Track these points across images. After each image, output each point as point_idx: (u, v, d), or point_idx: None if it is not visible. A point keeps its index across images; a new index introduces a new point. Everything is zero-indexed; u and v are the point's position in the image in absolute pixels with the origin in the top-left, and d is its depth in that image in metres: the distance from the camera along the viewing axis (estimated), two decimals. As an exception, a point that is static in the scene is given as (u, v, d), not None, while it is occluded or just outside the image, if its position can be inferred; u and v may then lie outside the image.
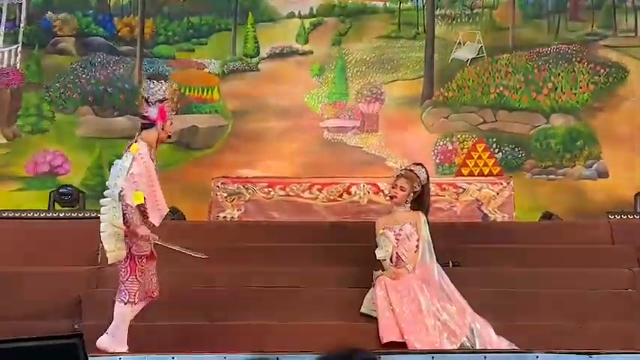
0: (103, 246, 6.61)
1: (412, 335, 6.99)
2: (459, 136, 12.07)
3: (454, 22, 12.48)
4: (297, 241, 8.46)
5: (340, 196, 9.42)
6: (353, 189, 9.40)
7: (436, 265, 7.42)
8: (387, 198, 8.07)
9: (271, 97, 12.24)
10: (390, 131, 12.15)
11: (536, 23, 12.47)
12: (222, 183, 9.46)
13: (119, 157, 6.60)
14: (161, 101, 6.69)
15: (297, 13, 12.59)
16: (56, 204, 10.66)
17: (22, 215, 9.78)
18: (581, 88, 12.14)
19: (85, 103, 12.26)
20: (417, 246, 7.44)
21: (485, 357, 6.48)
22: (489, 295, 7.56)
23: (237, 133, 12.22)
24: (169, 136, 6.91)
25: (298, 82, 12.34)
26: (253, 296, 7.64)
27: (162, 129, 6.68)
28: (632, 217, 9.97)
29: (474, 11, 12.51)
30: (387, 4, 12.51)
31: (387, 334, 7.05)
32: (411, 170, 7.68)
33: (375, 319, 7.22)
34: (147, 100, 6.75)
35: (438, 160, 11.98)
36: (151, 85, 6.80)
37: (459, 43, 12.36)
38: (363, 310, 7.43)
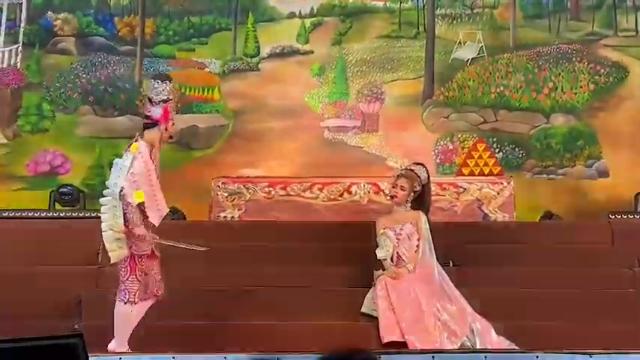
0: (103, 246, 6.59)
1: (413, 335, 6.99)
2: (459, 136, 12.05)
3: (455, 21, 12.46)
4: (297, 240, 8.45)
5: (341, 195, 9.42)
6: (353, 189, 9.40)
7: (436, 265, 7.42)
8: (388, 198, 8.06)
9: (272, 96, 12.22)
10: (390, 131, 12.13)
11: (537, 23, 12.44)
12: (222, 183, 9.46)
13: (119, 156, 6.58)
14: (165, 101, 6.58)
15: (297, 13, 12.57)
16: (56, 204, 10.67)
17: (23, 215, 9.79)
18: (581, 87, 12.12)
19: (85, 103, 12.24)
20: (418, 246, 7.44)
21: (485, 357, 6.47)
22: (489, 294, 7.55)
23: (237, 133, 12.20)
24: (171, 137, 6.87)
25: (299, 82, 12.32)
26: (253, 296, 7.64)
27: (165, 129, 6.66)
28: (632, 217, 9.98)
29: (475, 11, 12.49)
30: (388, 4, 12.48)
31: (388, 334, 7.05)
32: (412, 170, 7.68)
33: (376, 318, 7.22)
34: (150, 100, 6.64)
35: (438, 160, 11.96)
36: (156, 85, 6.70)
37: (460, 42, 12.33)
38: (363, 309, 7.43)
